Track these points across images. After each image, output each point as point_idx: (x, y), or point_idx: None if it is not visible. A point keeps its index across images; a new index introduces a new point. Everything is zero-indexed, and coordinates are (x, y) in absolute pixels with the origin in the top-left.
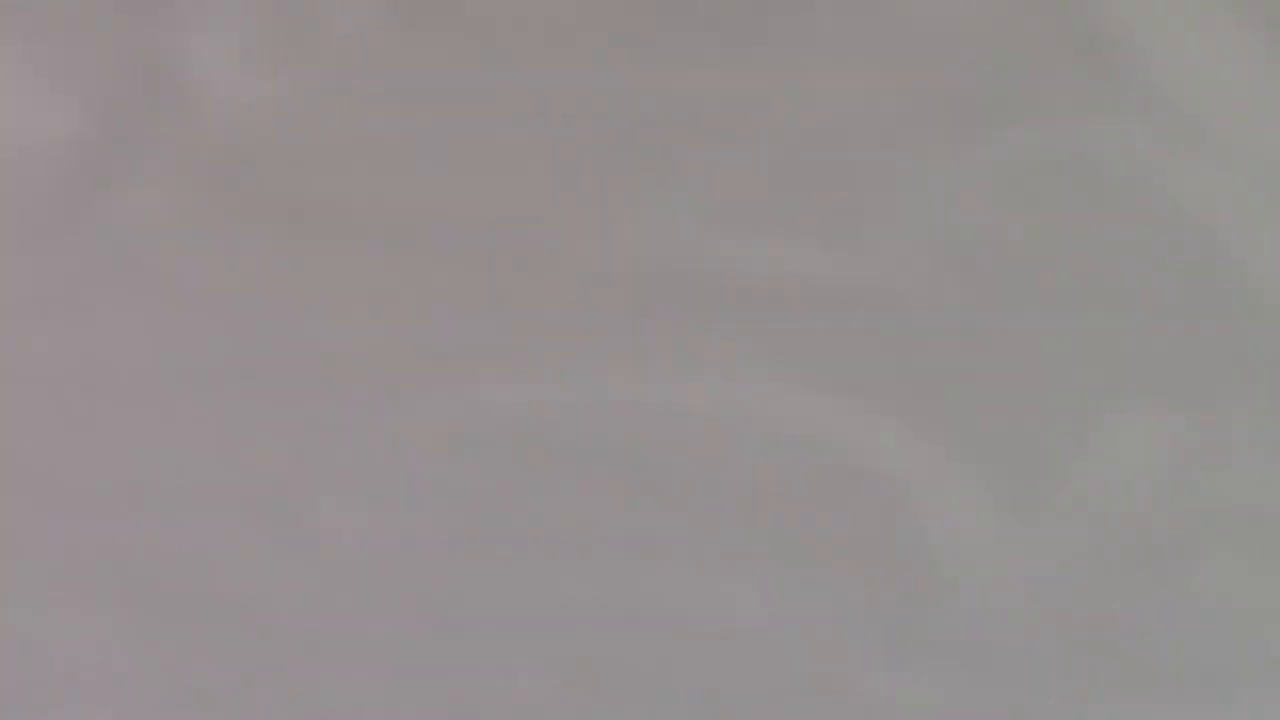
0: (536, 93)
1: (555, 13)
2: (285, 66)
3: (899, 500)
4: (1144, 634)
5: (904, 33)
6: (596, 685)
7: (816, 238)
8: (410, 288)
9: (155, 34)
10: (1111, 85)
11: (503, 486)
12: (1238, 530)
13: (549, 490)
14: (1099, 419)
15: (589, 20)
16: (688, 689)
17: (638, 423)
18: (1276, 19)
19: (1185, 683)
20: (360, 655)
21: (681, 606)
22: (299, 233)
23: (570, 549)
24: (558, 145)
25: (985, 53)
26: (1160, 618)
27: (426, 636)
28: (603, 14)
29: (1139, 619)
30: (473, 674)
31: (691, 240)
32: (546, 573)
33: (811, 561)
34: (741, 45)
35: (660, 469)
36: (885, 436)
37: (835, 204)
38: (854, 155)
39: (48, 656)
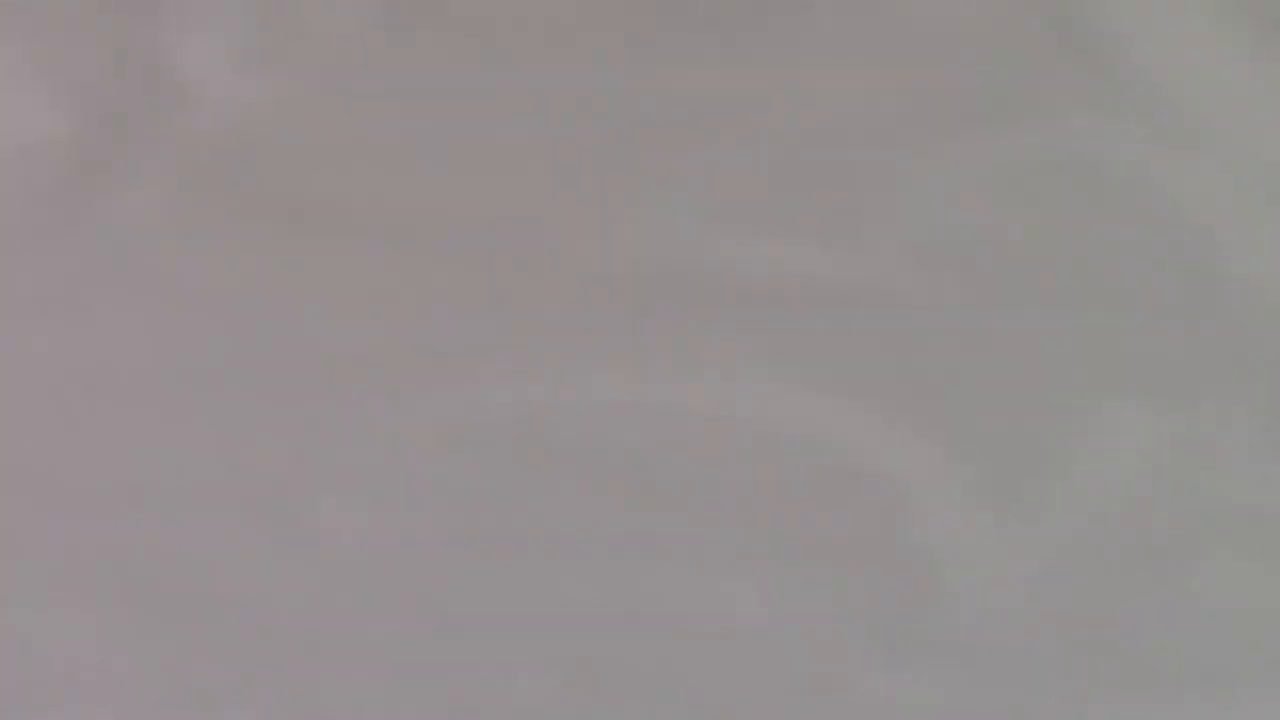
0: (534, 92)
1: (553, 12)
2: (283, 66)
3: (897, 499)
4: (1142, 633)
5: (903, 33)
6: (596, 685)
7: (815, 237)
8: (409, 287)
9: (152, 34)
10: (1109, 85)
11: (502, 486)
12: (1235, 529)
13: (549, 490)
14: (1097, 418)
15: (587, 19)
16: (687, 689)
17: (637, 422)
18: (1272, 19)
19: (1183, 682)
20: (360, 655)
21: (681, 606)
22: (297, 232)
23: (570, 549)
24: (556, 145)
25: (984, 53)
26: (1158, 617)
27: (426, 636)
28: (600, 13)
29: (1137, 618)
30: (472, 674)
31: (691, 240)
32: (546, 572)
33: (810, 561)
34: (740, 45)
35: (659, 469)
36: (883, 436)
37: (834, 204)
38: (853, 155)
39: (46, 656)
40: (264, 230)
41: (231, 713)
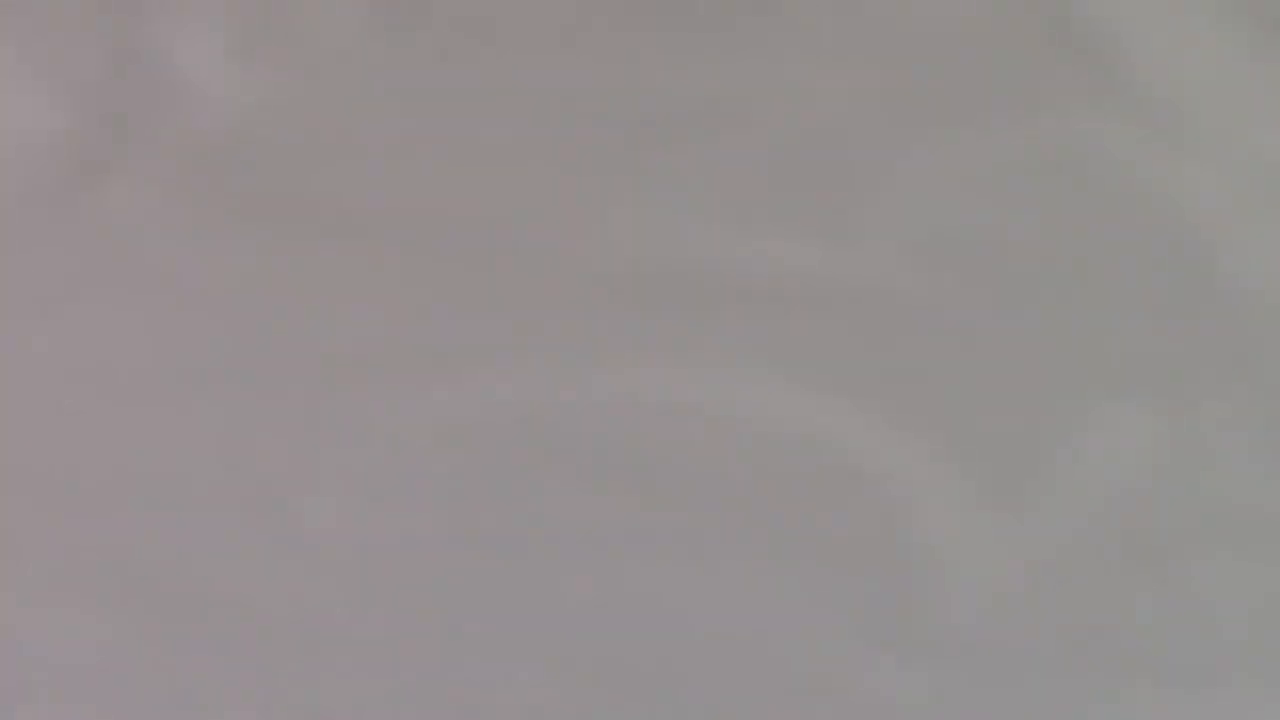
0: (532, 91)
1: (552, 11)
2: (282, 65)
3: (895, 497)
4: (1140, 631)
5: (902, 31)
6: (594, 683)
7: (814, 235)
8: (407, 285)
9: (151, 33)
10: (1107, 84)
11: (501, 484)
12: (1234, 528)
13: (547, 488)
14: (1095, 416)
15: (585, 16)
16: (685, 687)
17: (636, 421)
18: (1266, 16)
19: (1182, 680)
20: (358, 653)
21: (679, 604)
22: (295, 231)
23: (568, 547)
24: (555, 143)
25: (982, 51)
26: (1156, 615)
27: (424, 635)
28: (599, 10)
29: (1135, 616)
30: (470, 672)
31: (690, 238)
32: (544, 571)
33: (808, 558)
34: (738, 42)
35: (658, 467)
36: (882, 434)
37: (833, 201)
38: (852, 153)
39: (41, 654)
40: (262, 228)
41: (228, 711)
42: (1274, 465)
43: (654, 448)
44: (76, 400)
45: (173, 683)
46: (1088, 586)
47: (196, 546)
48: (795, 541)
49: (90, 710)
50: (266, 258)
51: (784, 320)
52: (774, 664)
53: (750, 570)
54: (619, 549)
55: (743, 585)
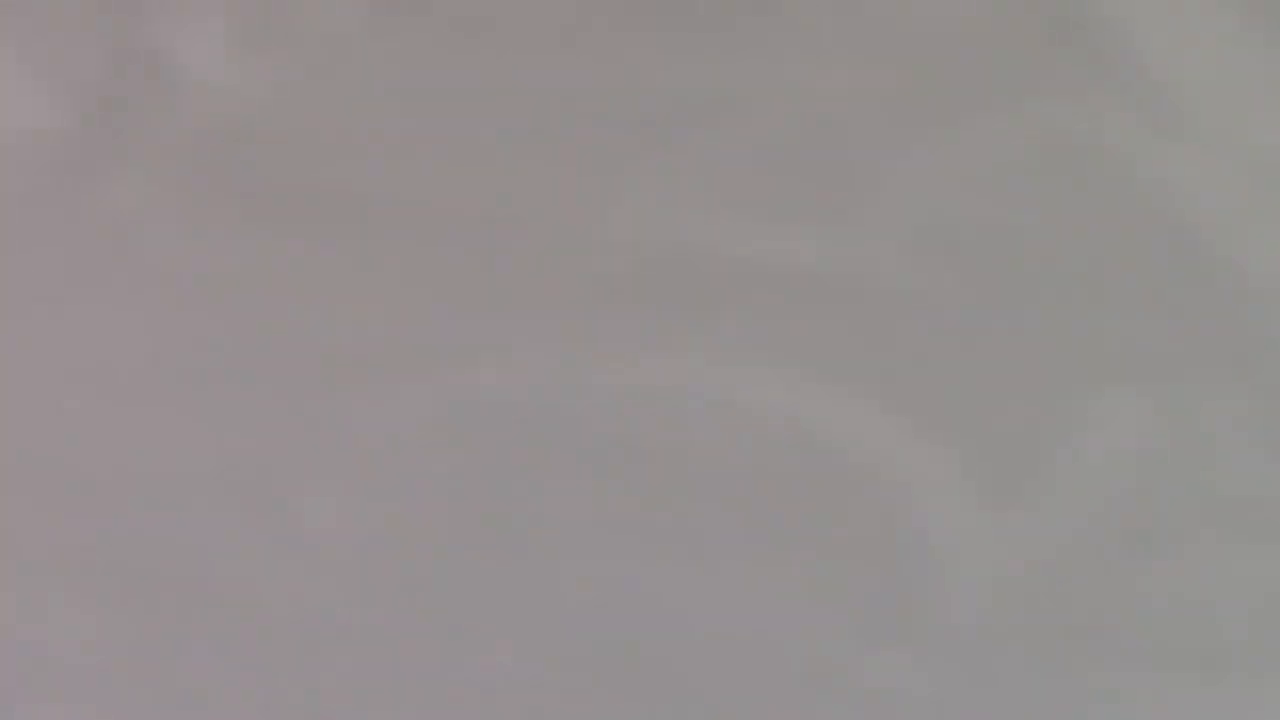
0: (530, 85)
1: (550, 5)
2: (280, 62)
3: (895, 490)
4: (1137, 624)
5: (900, 22)
6: (591, 676)
7: (812, 226)
8: (405, 279)
9: (150, 25)
10: (1107, 74)
11: (496, 476)
12: (1234, 518)
13: (543, 479)
14: (1095, 407)
15: (583, 8)
16: (682, 679)
17: (633, 412)
18: (1269, 10)
19: (1177, 666)
20: (357, 649)
21: (676, 595)
22: (295, 223)
23: (565, 538)
24: (552, 138)
25: (980, 41)
26: (1156, 606)
27: (423, 629)
28: (597, 7)
29: (1135, 607)
30: (467, 666)
31: (687, 230)
32: (540, 562)
33: (807, 551)
34: (734, 34)
35: (654, 458)
36: (881, 426)
37: (831, 193)
38: (848, 148)
39: (39, 652)
40: (262, 225)
41: (228, 708)
42: (1273, 454)
43: (653, 443)
44: (76, 397)
45: (172, 680)
46: (1088, 581)
47: (196, 543)
48: (794, 537)
49: (89, 708)
50: (266, 253)
51: (784, 316)
52: (773, 659)
53: (749, 565)
54: (618, 543)
55: (741, 580)
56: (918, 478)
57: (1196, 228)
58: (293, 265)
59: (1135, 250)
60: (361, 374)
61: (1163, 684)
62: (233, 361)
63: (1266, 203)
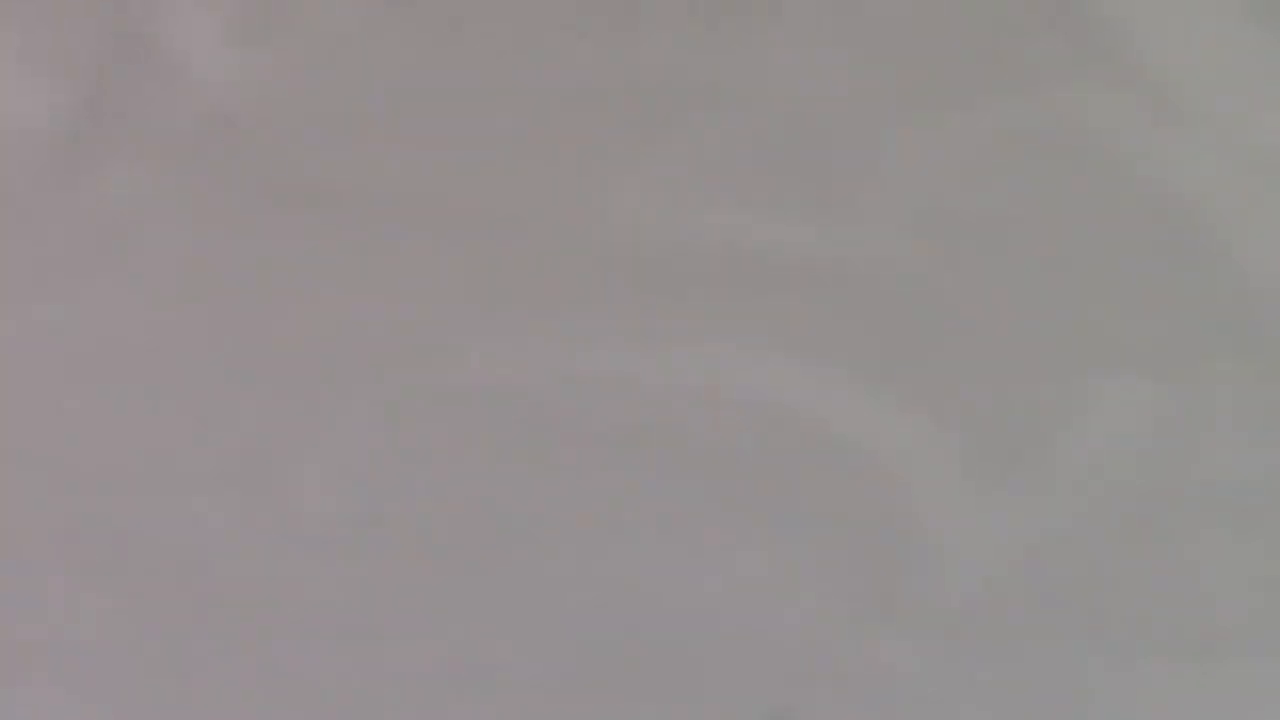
0: (530, 76)
1: None
2: (279, 51)
3: (890, 475)
4: (1136, 605)
5: (894, 11)
6: (589, 658)
7: (807, 211)
8: (400, 264)
9: (148, 19)
10: (1104, 60)
11: (498, 465)
12: (1230, 502)
13: (538, 464)
14: (1091, 391)
15: (584, 6)
16: (679, 660)
17: (627, 396)
18: None
19: (1173, 651)
20: (356, 634)
21: (671, 578)
22: (292, 210)
23: (560, 522)
24: (541, 120)
25: (977, 26)
26: (1153, 589)
27: (423, 613)
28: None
29: (1131, 590)
30: (467, 651)
31: (682, 215)
32: (535, 547)
33: (803, 533)
34: (729, 18)
35: (648, 442)
36: (877, 409)
37: (826, 180)
38: (845, 129)
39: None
40: (259, 213)
41: (228, 691)
42: (1270, 439)
43: (652, 427)
44: (75, 387)
45: (171, 664)
46: (1085, 567)
47: (196, 528)
48: (793, 520)
49: (89, 691)
50: (264, 245)
51: (782, 300)
52: (771, 642)
53: (747, 548)
54: (617, 527)
55: (739, 563)
56: (915, 464)
57: (1193, 215)
58: (291, 257)
59: (1132, 238)
60: (362, 362)
61: (1159, 670)
62: (231, 353)
63: (1264, 190)
